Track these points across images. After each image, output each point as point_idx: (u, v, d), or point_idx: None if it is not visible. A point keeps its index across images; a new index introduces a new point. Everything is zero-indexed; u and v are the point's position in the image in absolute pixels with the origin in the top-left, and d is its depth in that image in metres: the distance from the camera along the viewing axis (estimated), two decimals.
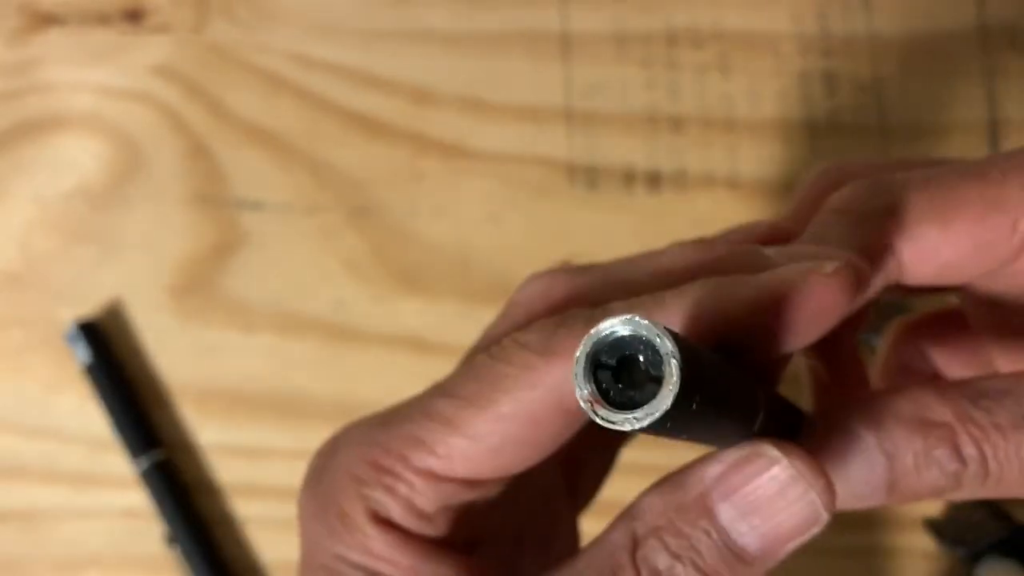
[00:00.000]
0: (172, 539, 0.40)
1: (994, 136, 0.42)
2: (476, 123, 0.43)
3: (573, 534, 0.27)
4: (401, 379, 0.41)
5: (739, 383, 0.19)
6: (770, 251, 0.22)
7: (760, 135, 0.42)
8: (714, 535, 0.20)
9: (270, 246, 0.42)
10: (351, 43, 0.44)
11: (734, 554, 0.20)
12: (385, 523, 0.23)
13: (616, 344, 0.16)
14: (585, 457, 0.28)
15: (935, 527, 0.38)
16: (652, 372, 0.16)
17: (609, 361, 0.16)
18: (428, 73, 0.43)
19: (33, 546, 0.41)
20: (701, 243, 0.26)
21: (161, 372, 0.42)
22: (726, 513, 0.20)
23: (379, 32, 0.44)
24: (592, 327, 0.16)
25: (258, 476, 0.41)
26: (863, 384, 0.26)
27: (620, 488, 0.26)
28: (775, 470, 0.20)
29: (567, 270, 0.24)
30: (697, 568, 0.20)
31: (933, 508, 0.39)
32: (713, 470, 0.20)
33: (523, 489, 0.24)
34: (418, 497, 0.23)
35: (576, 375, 0.16)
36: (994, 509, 0.38)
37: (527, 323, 0.22)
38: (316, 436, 0.41)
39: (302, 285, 0.42)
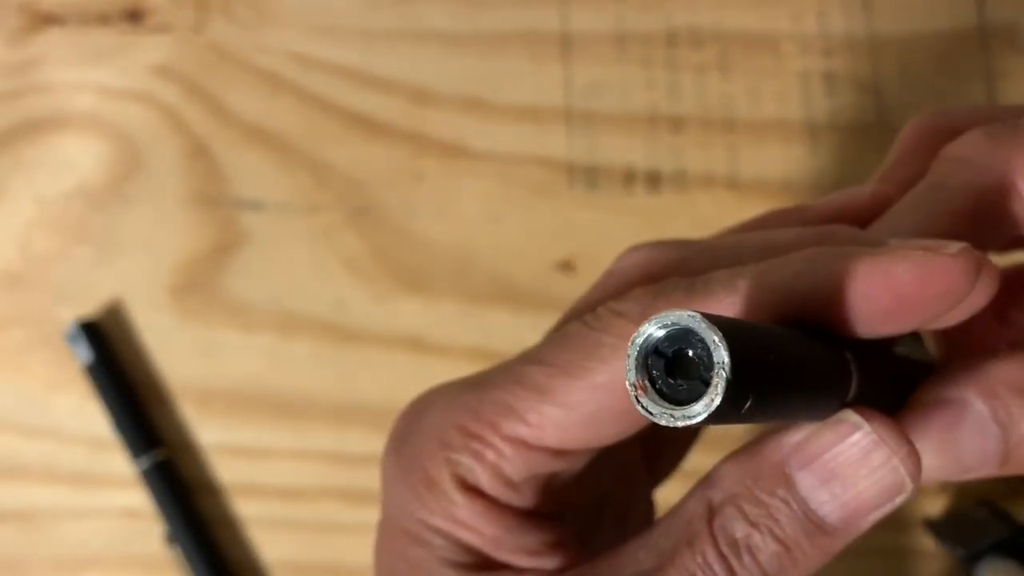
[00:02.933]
0: (172, 539, 0.40)
1: None
2: (476, 123, 0.43)
3: (649, 510, 0.27)
4: (401, 379, 0.41)
5: (817, 364, 0.19)
6: (876, 235, 0.21)
7: (760, 135, 0.42)
8: (793, 504, 0.19)
9: (270, 246, 0.42)
10: (351, 43, 0.44)
11: (814, 524, 0.19)
12: (472, 490, 0.22)
13: (678, 336, 0.16)
14: (667, 433, 0.27)
15: (935, 527, 0.38)
16: (703, 372, 0.16)
17: (666, 351, 0.16)
18: (428, 73, 0.43)
19: (33, 546, 0.41)
20: (802, 211, 0.25)
21: (161, 372, 0.42)
22: (805, 481, 0.19)
23: (379, 32, 0.44)
24: (711, 309, 0.16)
25: (258, 476, 0.41)
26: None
27: (699, 460, 0.25)
28: (856, 436, 0.19)
29: (669, 242, 0.24)
30: (776, 538, 0.19)
31: (933, 508, 0.39)
32: (792, 438, 0.19)
33: (604, 463, 0.24)
34: (507, 465, 0.22)
35: (628, 357, 0.16)
36: (994, 509, 0.38)
37: (623, 292, 0.22)
38: (316, 436, 0.41)
39: (302, 285, 0.42)
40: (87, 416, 0.41)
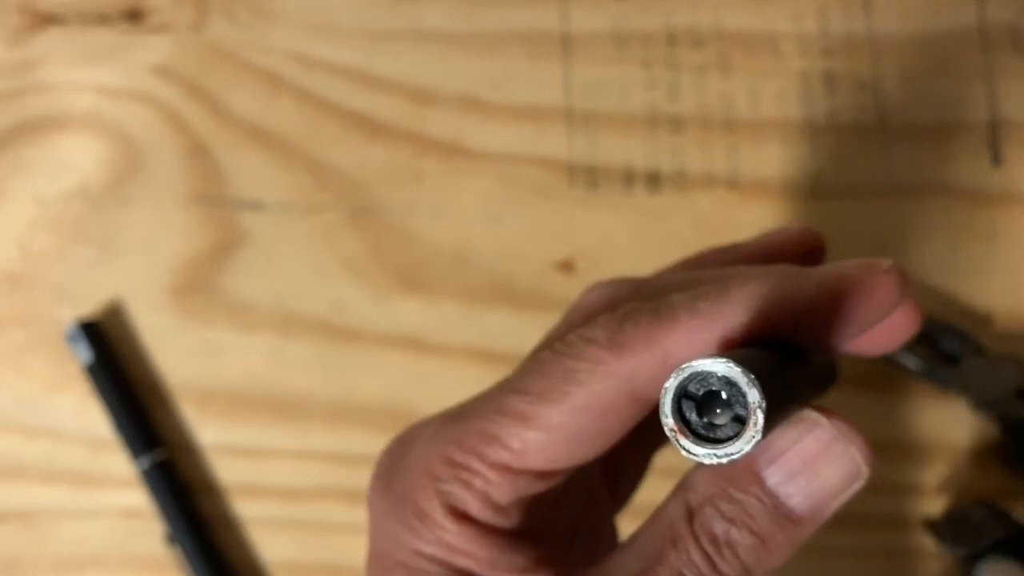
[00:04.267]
0: (172, 539, 0.40)
1: (994, 136, 0.42)
2: (476, 123, 0.43)
3: (614, 533, 0.29)
4: (401, 379, 0.41)
5: (795, 378, 0.21)
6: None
7: (760, 135, 0.42)
8: (764, 499, 0.21)
9: (270, 246, 0.42)
10: (351, 43, 0.44)
11: (784, 515, 0.21)
12: (462, 517, 0.24)
13: (705, 378, 0.17)
14: (624, 460, 0.29)
15: (935, 527, 0.38)
16: (737, 412, 0.17)
17: (695, 392, 0.18)
18: (428, 73, 0.43)
19: (33, 546, 0.41)
20: (738, 248, 0.28)
21: (161, 372, 0.42)
22: (774, 477, 0.21)
23: (379, 32, 0.44)
24: (677, 332, 0.18)
25: (258, 476, 0.41)
26: None
27: (655, 491, 0.26)
28: (818, 432, 0.21)
29: (627, 278, 0.26)
30: (751, 531, 0.21)
31: (933, 508, 0.39)
32: None
33: (574, 486, 0.25)
34: (494, 490, 0.23)
35: (663, 404, 0.18)
36: (994, 509, 0.38)
37: (590, 321, 0.23)
38: (316, 436, 0.41)
39: (302, 285, 0.42)
40: (87, 416, 0.41)
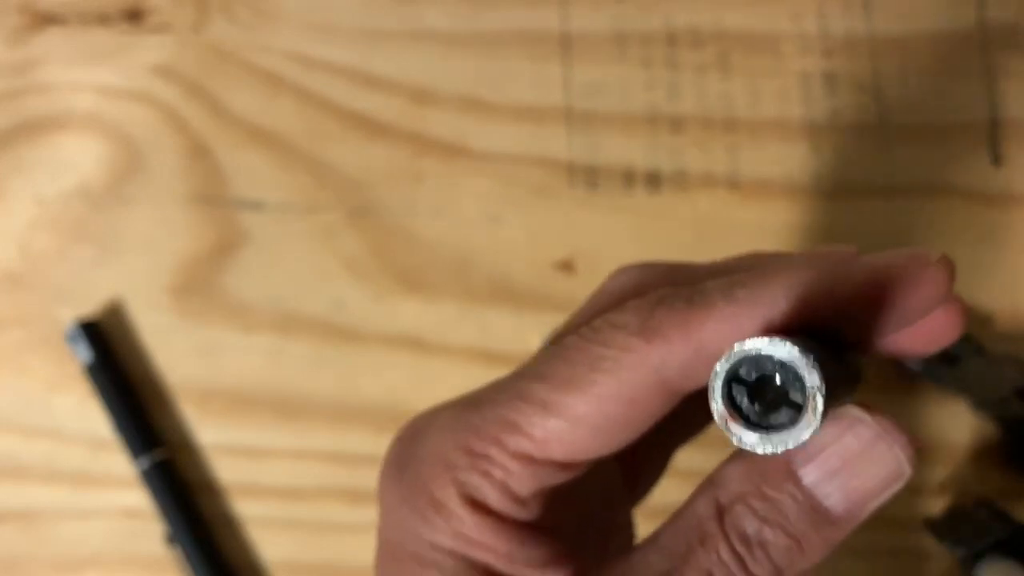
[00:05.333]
0: (172, 539, 0.40)
1: (994, 136, 0.42)
2: (476, 123, 0.43)
3: (629, 527, 0.28)
4: (401, 379, 0.41)
5: (842, 371, 0.20)
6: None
7: (760, 135, 0.42)
8: (800, 498, 0.20)
9: (270, 246, 0.42)
10: (351, 43, 0.44)
11: (821, 516, 0.20)
12: (481, 508, 0.22)
13: (757, 362, 0.16)
14: (644, 454, 0.28)
15: (935, 527, 0.38)
16: (790, 395, 0.16)
17: (746, 377, 0.16)
18: (428, 73, 0.43)
19: (33, 546, 0.41)
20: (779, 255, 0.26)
21: (161, 372, 0.42)
22: (811, 475, 0.20)
23: (379, 32, 0.44)
24: (713, 319, 0.16)
25: (258, 476, 0.41)
26: None
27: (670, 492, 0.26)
28: (860, 428, 0.20)
29: (659, 262, 0.24)
30: (785, 532, 0.20)
31: (933, 508, 0.39)
32: None
33: (592, 479, 0.24)
34: (514, 481, 0.22)
35: (712, 389, 0.16)
36: (994, 509, 0.38)
37: (618, 306, 0.22)
38: (316, 436, 0.41)
39: (302, 285, 0.42)
40: (87, 416, 0.41)
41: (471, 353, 0.41)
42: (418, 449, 0.23)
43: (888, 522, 0.39)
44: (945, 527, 0.38)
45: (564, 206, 0.42)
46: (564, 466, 0.22)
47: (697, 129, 0.43)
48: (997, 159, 0.42)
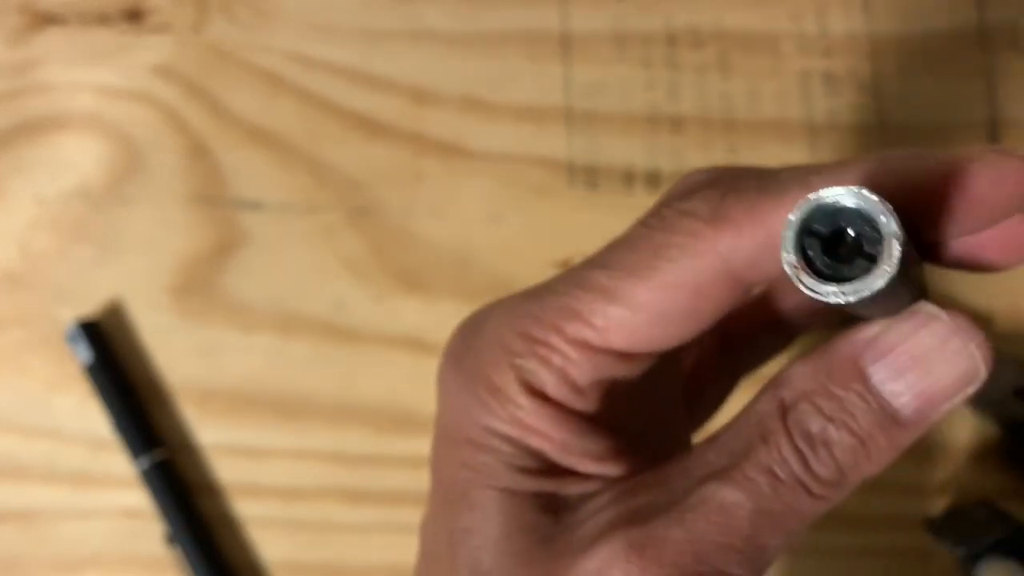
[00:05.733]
0: (172, 539, 0.40)
1: (994, 136, 0.42)
2: (476, 123, 0.43)
3: (688, 448, 0.27)
4: (401, 379, 0.41)
5: (919, 261, 0.19)
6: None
7: (760, 135, 0.42)
8: (869, 397, 0.19)
9: (270, 246, 0.42)
10: (351, 43, 0.44)
11: (889, 416, 0.19)
12: (538, 395, 0.22)
13: (832, 215, 0.16)
14: (708, 378, 0.27)
15: (935, 527, 0.38)
16: (866, 249, 0.15)
17: (820, 230, 0.16)
18: (428, 73, 0.43)
19: (33, 546, 0.41)
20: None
21: (161, 372, 0.42)
22: (880, 374, 0.19)
23: (379, 32, 0.44)
24: (786, 205, 0.16)
25: (258, 476, 0.41)
26: None
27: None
28: (935, 325, 0.19)
29: (734, 165, 0.23)
30: (851, 431, 0.19)
31: (933, 508, 0.39)
32: (866, 333, 0.19)
33: (654, 387, 0.24)
34: (573, 368, 0.22)
35: (785, 239, 0.16)
36: (994, 509, 0.38)
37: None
38: (316, 436, 0.41)
39: (302, 285, 0.42)
40: (87, 416, 0.41)
41: None
42: (478, 337, 0.23)
43: (888, 522, 0.39)
44: (945, 527, 0.38)
45: (564, 206, 0.42)
46: (625, 356, 0.22)
47: (697, 129, 0.43)
48: None
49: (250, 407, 0.41)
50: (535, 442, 0.22)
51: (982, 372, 0.20)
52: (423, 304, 0.42)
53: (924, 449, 0.40)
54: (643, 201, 0.42)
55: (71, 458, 0.41)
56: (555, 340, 0.22)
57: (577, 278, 0.22)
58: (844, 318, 0.20)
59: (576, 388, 0.22)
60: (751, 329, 0.27)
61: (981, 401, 0.39)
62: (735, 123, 0.42)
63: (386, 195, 0.42)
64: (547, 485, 0.22)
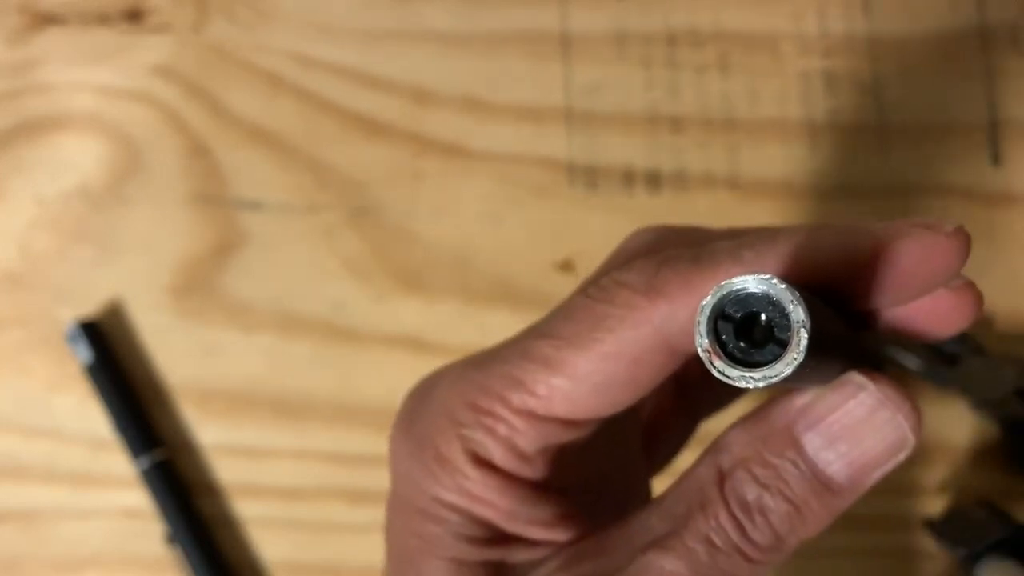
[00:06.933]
0: (172, 539, 0.40)
1: (994, 136, 0.42)
2: (476, 123, 0.43)
3: (648, 495, 0.27)
4: (401, 379, 0.41)
5: (841, 333, 0.19)
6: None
7: (760, 135, 0.42)
8: (801, 465, 0.20)
9: (270, 246, 0.42)
10: (351, 43, 0.44)
11: (822, 483, 0.20)
12: (485, 464, 0.22)
13: (744, 300, 0.16)
14: (667, 423, 0.28)
15: (935, 527, 0.38)
16: (777, 334, 0.16)
17: (733, 314, 0.16)
18: (428, 73, 0.43)
19: (33, 546, 0.41)
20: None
21: (161, 372, 0.42)
22: (812, 442, 0.20)
23: (379, 32, 0.44)
24: (717, 279, 0.16)
25: (258, 476, 0.41)
26: None
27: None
28: (862, 396, 0.20)
29: (677, 225, 0.24)
30: (786, 498, 0.20)
31: (933, 508, 0.39)
32: (799, 401, 0.20)
33: (607, 441, 0.24)
34: (519, 437, 0.22)
35: (698, 324, 0.16)
36: (994, 509, 0.38)
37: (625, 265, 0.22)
38: (316, 436, 0.41)
39: (302, 285, 0.42)
40: (87, 416, 0.41)
41: (470, 353, 0.41)
42: (427, 405, 0.24)
43: (888, 522, 0.39)
44: (945, 527, 0.38)
45: (564, 206, 0.42)
46: (569, 424, 0.22)
47: (697, 129, 0.43)
48: (996, 159, 0.42)
49: (250, 407, 0.41)
50: (483, 511, 0.23)
51: (910, 441, 0.20)
52: (423, 304, 0.42)
53: (924, 449, 0.40)
54: (643, 201, 0.42)
55: (71, 458, 0.41)
56: (500, 410, 0.22)
57: (522, 348, 0.22)
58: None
59: (523, 456, 0.23)
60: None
61: (981, 401, 0.39)
62: (735, 123, 0.42)
63: (386, 195, 0.42)
64: (495, 554, 0.23)
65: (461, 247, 0.42)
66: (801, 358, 0.15)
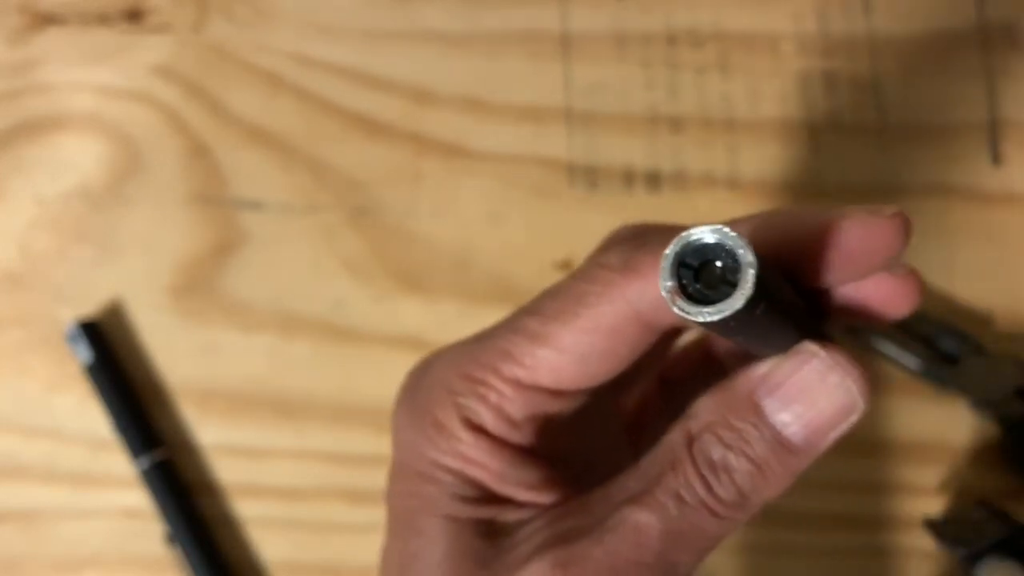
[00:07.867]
0: (172, 539, 0.40)
1: (994, 136, 0.42)
2: (476, 123, 0.43)
3: None
4: (401, 379, 0.41)
5: (795, 301, 0.22)
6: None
7: (760, 135, 0.42)
8: (762, 427, 0.22)
9: (270, 246, 0.42)
10: (351, 43, 0.44)
11: (781, 444, 0.22)
12: (477, 429, 0.25)
13: (701, 249, 0.18)
14: (652, 423, 0.30)
15: (935, 527, 0.38)
16: (728, 277, 0.18)
17: (692, 263, 0.18)
18: (428, 73, 0.43)
19: (33, 546, 0.41)
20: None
21: (161, 372, 0.42)
22: (771, 406, 0.22)
23: (379, 32, 0.44)
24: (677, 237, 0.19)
25: (258, 476, 0.41)
26: None
27: None
28: (815, 362, 0.22)
29: (658, 222, 0.27)
30: (748, 458, 0.22)
31: (933, 508, 0.39)
32: (759, 370, 0.22)
33: (590, 421, 0.26)
34: (508, 404, 0.24)
35: (662, 269, 0.18)
36: (994, 509, 0.38)
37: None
38: (316, 436, 0.41)
39: (302, 285, 0.42)
40: (87, 416, 0.41)
41: None
42: (426, 378, 0.26)
43: (888, 522, 0.39)
44: (945, 527, 0.38)
45: (564, 206, 0.42)
46: (554, 393, 0.25)
47: (697, 129, 0.43)
48: (997, 159, 0.42)
49: (250, 407, 0.41)
50: (475, 473, 0.25)
51: (860, 404, 0.22)
52: (423, 304, 0.42)
53: (924, 449, 0.40)
54: (643, 201, 0.42)
55: (71, 458, 0.41)
56: (492, 379, 0.25)
57: (513, 324, 0.25)
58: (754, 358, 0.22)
59: (512, 422, 0.25)
60: (688, 372, 0.30)
61: (981, 401, 0.39)
62: (735, 123, 0.42)
63: (386, 195, 0.42)
64: (486, 512, 0.25)
65: (461, 247, 0.42)
66: (750, 293, 0.17)
